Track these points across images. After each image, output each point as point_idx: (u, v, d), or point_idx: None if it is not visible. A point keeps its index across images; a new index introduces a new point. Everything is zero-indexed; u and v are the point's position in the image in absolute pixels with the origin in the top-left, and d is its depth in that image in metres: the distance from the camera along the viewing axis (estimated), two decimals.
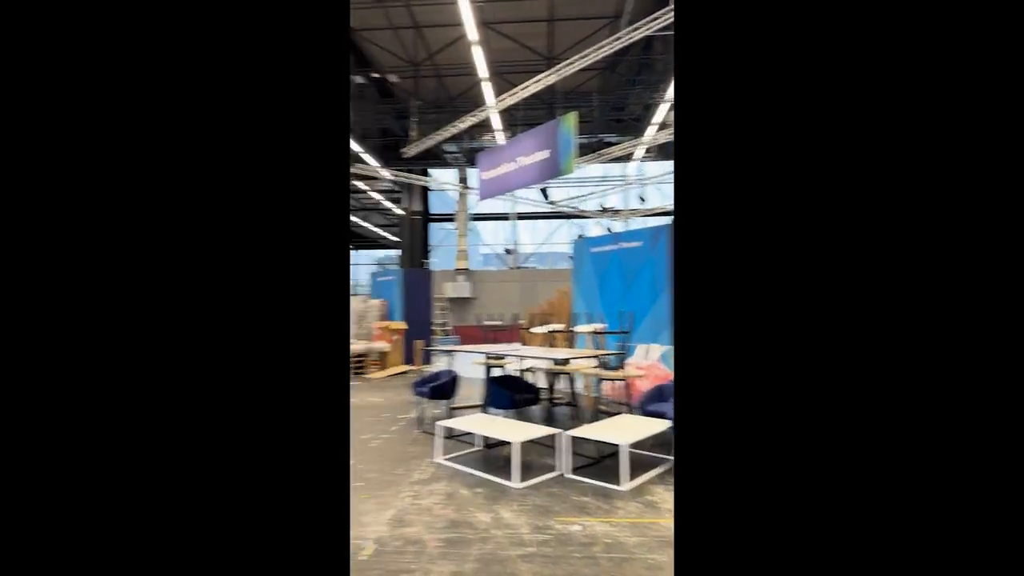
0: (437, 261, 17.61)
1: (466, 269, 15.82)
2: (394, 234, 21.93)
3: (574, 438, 3.34)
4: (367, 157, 12.49)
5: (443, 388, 4.86)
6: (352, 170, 12.80)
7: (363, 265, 27.38)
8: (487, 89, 10.11)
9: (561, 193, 17.16)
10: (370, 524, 2.60)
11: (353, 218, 19.24)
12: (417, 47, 11.82)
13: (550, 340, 6.51)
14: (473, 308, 15.63)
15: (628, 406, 4.54)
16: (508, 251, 17.75)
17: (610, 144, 13.06)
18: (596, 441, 3.37)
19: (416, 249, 16.53)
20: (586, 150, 12.79)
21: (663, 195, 16.41)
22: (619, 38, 7.97)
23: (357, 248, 26.38)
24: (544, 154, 6.49)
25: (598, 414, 4.47)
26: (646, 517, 2.63)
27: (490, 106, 10.36)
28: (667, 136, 11.12)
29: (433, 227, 17.41)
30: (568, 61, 8.52)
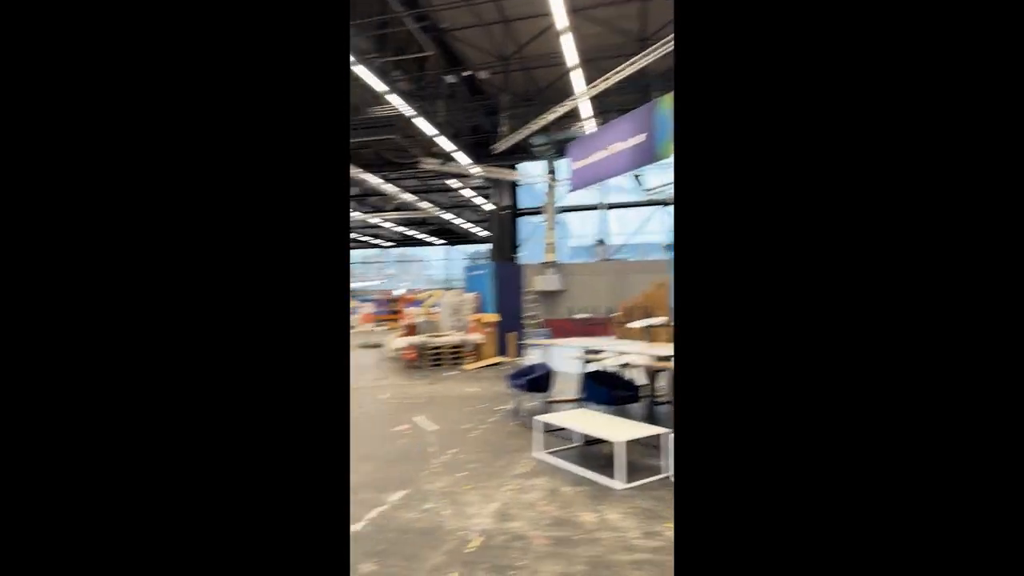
0: (526, 255, 17.73)
1: (554, 262, 15.75)
2: (484, 229, 22.44)
3: None
4: (459, 155, 12.84)
5: (539, 381, 4.84)
6: (445, 168, 13.23)
7: (457, 260, 28.39)
8: (576, 77, 9.89)
9: (656, 180, 16.40)
10: (475, 516, 2.63)
11: (447, 215, 19.98)
12: (506, 41, 11.88)
13: (648, 335, 6.23)
14: (563, 301, 15.52)
15: None
16: (600, 242, 17.38)
17: None
18: None
19: (506, 243, 16.75)
20: None
21: None
22: None
23: (452, 243, 27.35)
24: (640, 138, 6.19)
25: None
26: None
27: (580, 94, 10.13)
28: None
29: (521, 221, 17.53)
30: (664, 40, 8.04)
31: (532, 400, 5.21)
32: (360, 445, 4.08)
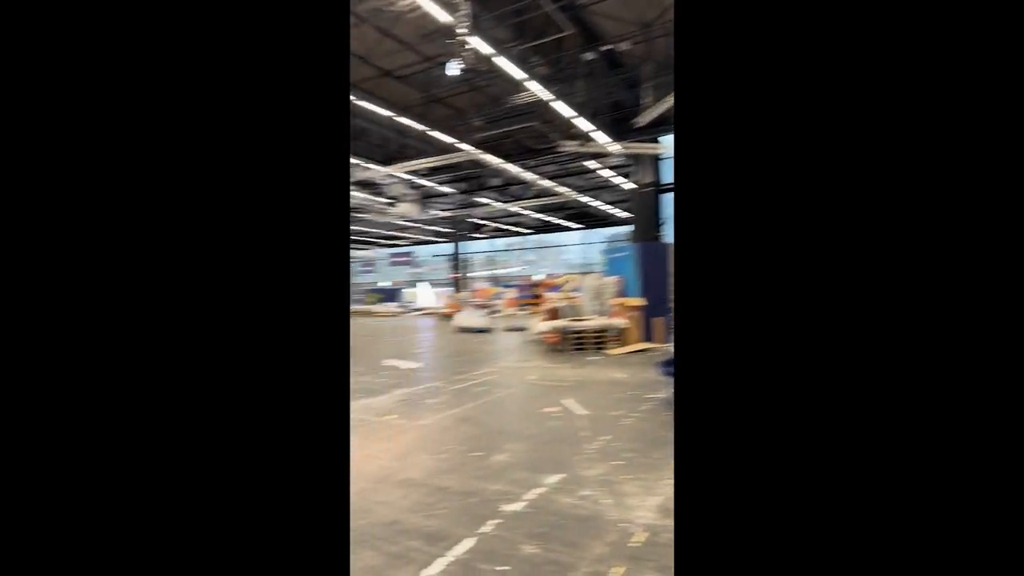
0: (671, 233, 16.67)
1: None
2: (624, 210, 21.68)
3: None
4: (598, 135, 12.49)
5: None
6: (584, 149, 12.98)
7: (593, 243, 27.99)
8: None
9: None
10: (636, 508, 2.49)
11: (583, 197, 19.73)
12: (648, 7, 11.13)
13: None
14: None
15: None
16: None
17: None
18: None
19: (648, 222, 15.93)
20: None
21: None
22: None
23: (589, 227, 27.01)
24: None
25: None
26: None
27: None
28: None
29: (666, 198, 16.49)
30: None
31: None
32: (512, 424, 4.20)
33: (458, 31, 7.12)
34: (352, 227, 25.02)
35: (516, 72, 8.86)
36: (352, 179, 13.93)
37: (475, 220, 24.26)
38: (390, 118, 10.76)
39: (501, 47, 8.01)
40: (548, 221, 24.97)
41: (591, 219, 25.68)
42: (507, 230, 28.32)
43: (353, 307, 26.23)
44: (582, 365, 7.16)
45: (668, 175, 16.30)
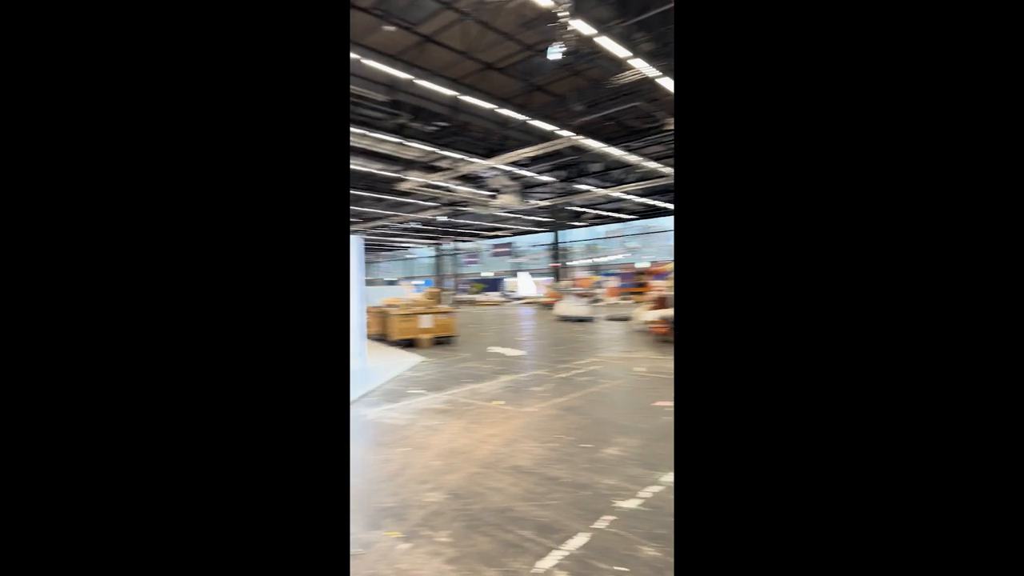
0: None
1: None
2: None
3: None
4: None
5: None
6: None
7: None
8: None
9: None
10: None
11: None
12: None
13: None
14: None
15: None
16: None
17: None
18: None
19: None
20: None
21: None
22: None
23: None
24: None
25: None
26: None
27: None
28: None
29: None
30: None
31: None
32: (621, 416, 4.05)
33: (559, 15, 6.98)
34: (456, 220, 26.09)
35: (619, 51, 8.49)
36: (455, 174, 14.45)
37: (575, 208, 23.96)
38: (492, 110, 10.94)
39: (603, 27, 7.71)
40: (653, 205, 23.87)
41: None
42: (608, 216, 27.60)
43: (457, 296, 27.46)
44: None
45: None
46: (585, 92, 10.80)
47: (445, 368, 6.71)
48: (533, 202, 20.78)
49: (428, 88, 9.41)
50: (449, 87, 9.46)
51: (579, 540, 2.12)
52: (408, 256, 42.76)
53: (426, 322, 8.99)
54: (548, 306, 17.80)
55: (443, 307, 9.97)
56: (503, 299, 28.16)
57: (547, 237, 29.86)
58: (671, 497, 2.49)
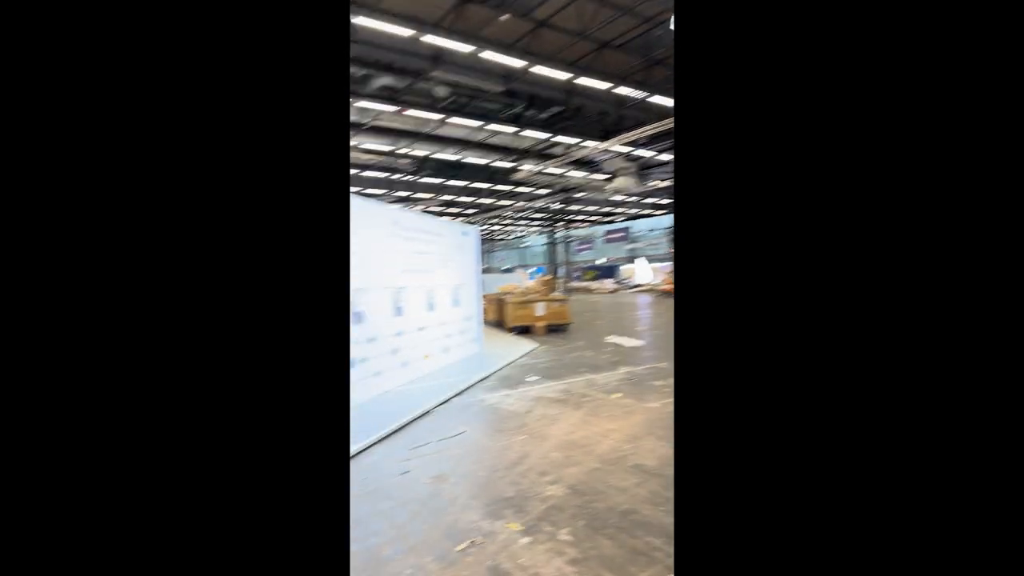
0: None
1: None
2: None
3: None
4: None
5: None
6: None
7: None
8: None
9: None
10: None
11: None
12: None
13: None
14: None
15: None
16: None
17: None
18: None
19: None
20: None
21: None
22: None
23: None
24: None
25: None
26: None
27: None
28: None
29: None
30: None
31: None
32: None
33: None
34: (567, 207, 25.79)
35: None
36: (568, 159, 14.24)
37: None
38: (608, 91, 10.53)
39: None
40: None
41: None
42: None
43: (570, 284, 27.32)
44: None
45: None
46: None
47: (560, 356, 6.67)
48: (651, 184, 19.78)
49: (542, 74, 9.33)
50: (565, 70, 9.28)
51: None
52: (523, 245, 43.59)
53: (540, 310, 9.03)
54: (666, 294, 16.92)
55: (557, 295, 9.94)
56: (618, 287, 27.40)
57: (667, 220, 28.30)
58: None
